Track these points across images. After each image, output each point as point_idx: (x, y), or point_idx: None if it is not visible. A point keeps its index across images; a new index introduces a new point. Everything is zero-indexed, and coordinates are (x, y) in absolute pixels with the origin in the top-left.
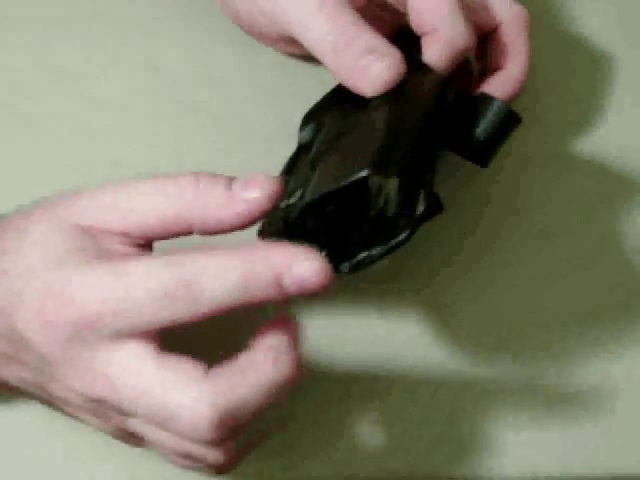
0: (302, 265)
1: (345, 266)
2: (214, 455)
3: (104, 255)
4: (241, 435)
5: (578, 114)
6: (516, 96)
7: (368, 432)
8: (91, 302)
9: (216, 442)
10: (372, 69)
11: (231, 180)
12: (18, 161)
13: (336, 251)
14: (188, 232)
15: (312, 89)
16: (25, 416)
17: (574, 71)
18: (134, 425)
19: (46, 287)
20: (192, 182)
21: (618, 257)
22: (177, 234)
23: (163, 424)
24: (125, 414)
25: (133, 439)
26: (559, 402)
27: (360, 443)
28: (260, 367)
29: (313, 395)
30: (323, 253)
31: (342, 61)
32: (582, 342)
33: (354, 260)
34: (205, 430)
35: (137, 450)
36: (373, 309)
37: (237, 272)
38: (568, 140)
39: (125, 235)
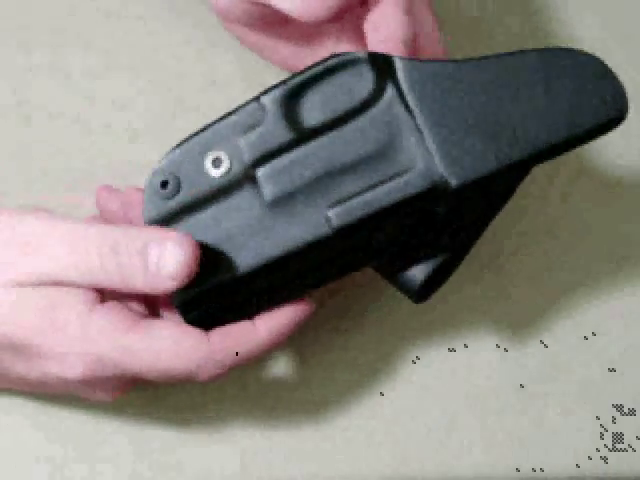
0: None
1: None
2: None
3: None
4: None
5: None
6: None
7: (366, 432)
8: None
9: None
10: None
11: (146, 245)
12: (18, 161)
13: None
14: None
15: None
16: (23, 413)
17: None
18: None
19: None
20: (112, 257)
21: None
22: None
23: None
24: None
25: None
26: (559, 401)
27: (358, 443)
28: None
29: (311, 394)
30: None
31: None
32: (581, 340)
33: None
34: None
35: (138, 448)
36: (375, 304)
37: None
38: None
39: None
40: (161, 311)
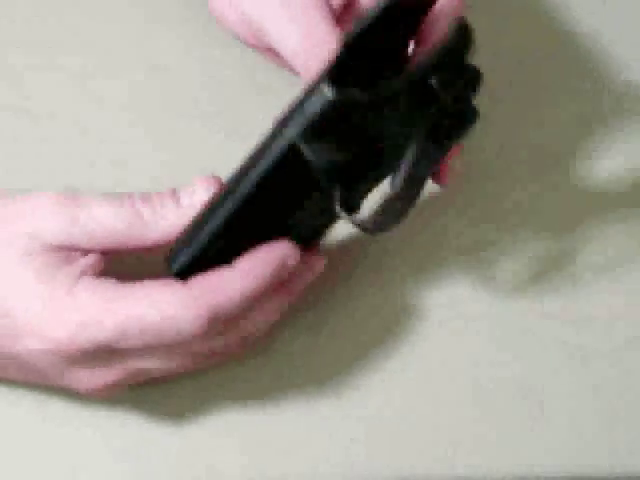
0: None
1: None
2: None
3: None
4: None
5: (575, 112)
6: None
7: (365, 431)
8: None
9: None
10: None
11: (176, 189)
12: (18, 160)
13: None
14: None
15: None
16: (23, 411)
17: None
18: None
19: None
20: (145, 203)
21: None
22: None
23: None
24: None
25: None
26: (559, 401)
27: (358, 443)
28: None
29: (308, 392)
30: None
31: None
32: (581, 340)
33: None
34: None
35: (140, 447)
36: (373, 303)
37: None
38: (566, 137)
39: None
40: None
